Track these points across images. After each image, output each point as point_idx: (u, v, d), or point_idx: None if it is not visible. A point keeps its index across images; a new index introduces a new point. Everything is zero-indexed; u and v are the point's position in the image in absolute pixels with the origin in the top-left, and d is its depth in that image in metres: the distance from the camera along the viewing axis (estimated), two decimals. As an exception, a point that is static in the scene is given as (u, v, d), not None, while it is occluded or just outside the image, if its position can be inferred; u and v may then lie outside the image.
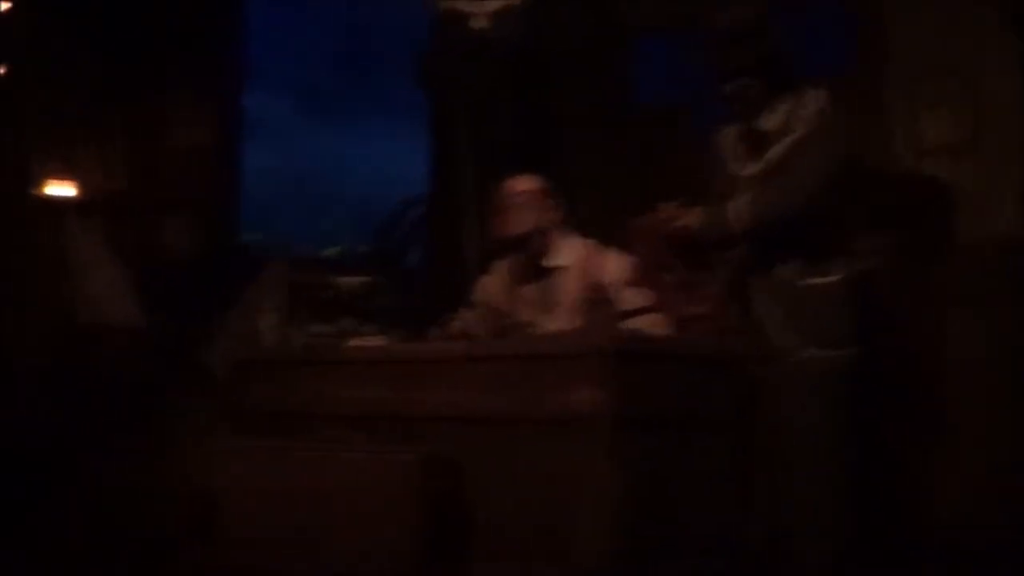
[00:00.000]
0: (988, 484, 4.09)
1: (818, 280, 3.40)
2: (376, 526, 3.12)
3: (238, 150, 7.27)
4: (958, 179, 4.41)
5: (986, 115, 4.39)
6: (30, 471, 4.77)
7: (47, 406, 5.35)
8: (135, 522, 4.26)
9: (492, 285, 4.07)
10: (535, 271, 3.95)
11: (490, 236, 4.09)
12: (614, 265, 3.89)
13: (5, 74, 5.74)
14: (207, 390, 4.32)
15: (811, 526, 3.32)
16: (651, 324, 3.74)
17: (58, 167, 6.14)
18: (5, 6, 5.75)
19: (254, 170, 7.29)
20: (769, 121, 3.48)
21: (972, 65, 4.42)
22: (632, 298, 3.77)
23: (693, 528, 3.13)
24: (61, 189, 6.14)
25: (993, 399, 4.16)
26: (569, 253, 3.93)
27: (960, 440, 4.18)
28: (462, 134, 5.87)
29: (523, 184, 4.00)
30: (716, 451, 3.23)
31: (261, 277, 4.83)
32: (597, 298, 3.57)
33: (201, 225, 6.65)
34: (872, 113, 4.61)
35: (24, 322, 5.74)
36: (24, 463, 4.82)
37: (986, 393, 4.17)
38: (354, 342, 3.75)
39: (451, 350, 3.48)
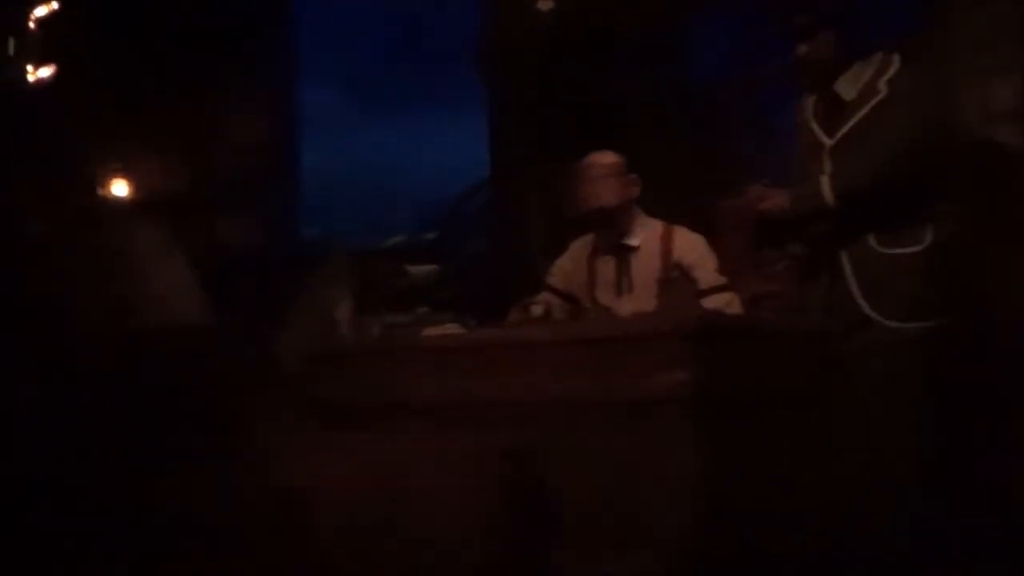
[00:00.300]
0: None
1: (900, 251, 3.34)
2: (459, 517, 3.10)
3: (295, 145, 7.33)
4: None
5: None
6: (100, 475, 4.77)
7: (110, 407, 5.36)
8: (212, 523, 4.25)
9: (568, 265, 4.05)
10: (614, 249, 3.92)
11: (572, 210, 4.04)
12: (688, 245, 3.86)
13: (59, 74, 5.78)
14: (279, 385, 4.31)
15: (892, 504, 3.26)
16: (727, 303, 3.72)
17: (115, 166, 6.18)
18: (52, 6, 5.78)
19: (311, 165, 7.35)
20: (846, 88, 3.41)
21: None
22: (708, 278, 3.74)
23: (776, 508, 3.08)
24: (120, 188, 6.17)
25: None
26: (646, 232, 3.90)
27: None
28: (524, 117, 5.84)
29: (606, 158, 3.96)
30: (797, 429, 3.18)
31: (326, 269, 4.82)
32: (674, 278, 3.55)
33: (261, 221, 6.68)
34: (941, 77, 4.51)
35: (85, 323, 5.77)
36: (91, 467, 4.83)
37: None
38: (430, 331, 3.73)
39: (531, 335, 3.42)
